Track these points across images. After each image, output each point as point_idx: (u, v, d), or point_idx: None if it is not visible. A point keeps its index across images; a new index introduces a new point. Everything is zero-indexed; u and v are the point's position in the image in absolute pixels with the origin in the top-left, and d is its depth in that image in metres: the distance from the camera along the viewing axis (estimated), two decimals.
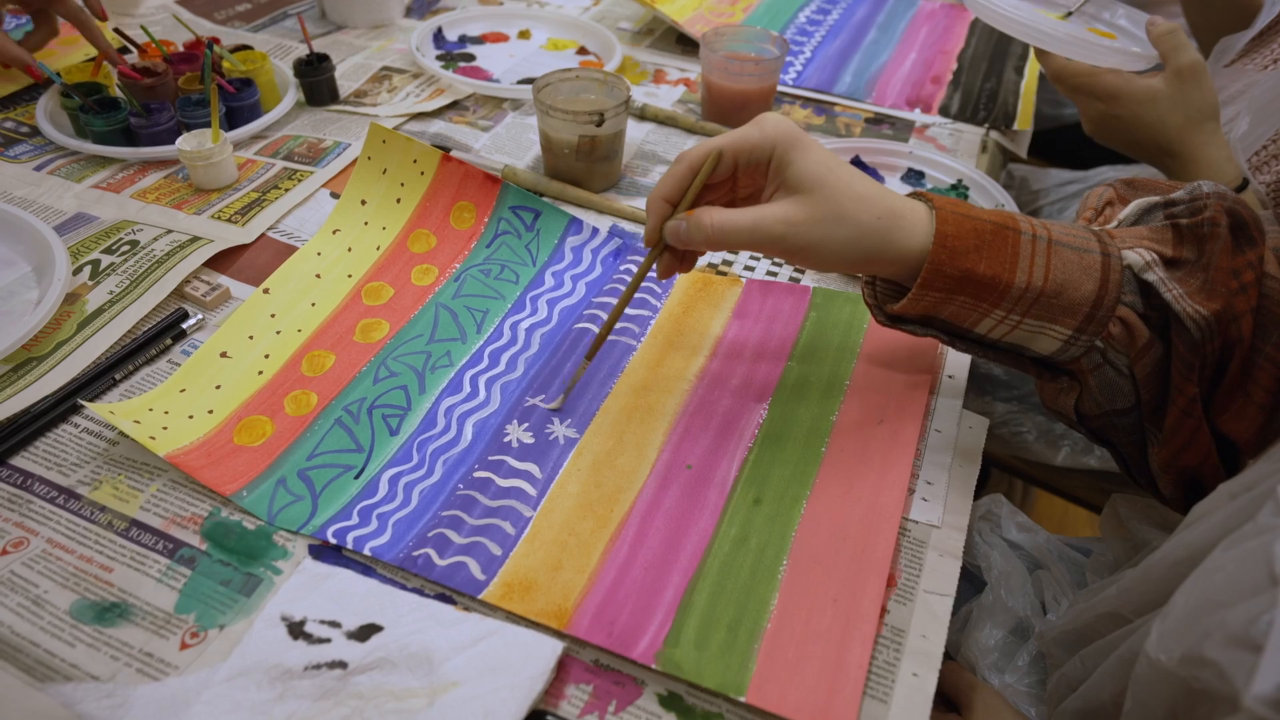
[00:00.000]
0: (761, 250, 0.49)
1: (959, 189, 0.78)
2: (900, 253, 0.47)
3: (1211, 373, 0.45)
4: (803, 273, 0.68)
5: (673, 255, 0.53)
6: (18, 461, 0.50)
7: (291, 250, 0.66)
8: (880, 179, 0.79)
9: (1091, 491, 0.92)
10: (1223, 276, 0.45)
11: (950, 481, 0.52)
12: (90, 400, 0.53)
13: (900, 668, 0.43)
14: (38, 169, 0.73)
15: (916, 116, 0.89)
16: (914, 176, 0.80)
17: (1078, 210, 0.57)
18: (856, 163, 0.80)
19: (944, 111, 0.91)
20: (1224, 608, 0.35)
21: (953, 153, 0.84)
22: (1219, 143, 0.67)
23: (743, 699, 0.40)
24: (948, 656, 0.61)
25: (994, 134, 0.87)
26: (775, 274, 0.67)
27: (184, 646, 0.42)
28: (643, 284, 0.64)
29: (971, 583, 0.64)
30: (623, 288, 0.63)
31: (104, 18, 0.81)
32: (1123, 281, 0.46)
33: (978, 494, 0.67)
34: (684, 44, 1.01)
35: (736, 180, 0.52)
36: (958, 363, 0.60)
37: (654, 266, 0.52)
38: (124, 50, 0.88)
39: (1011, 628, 0.60)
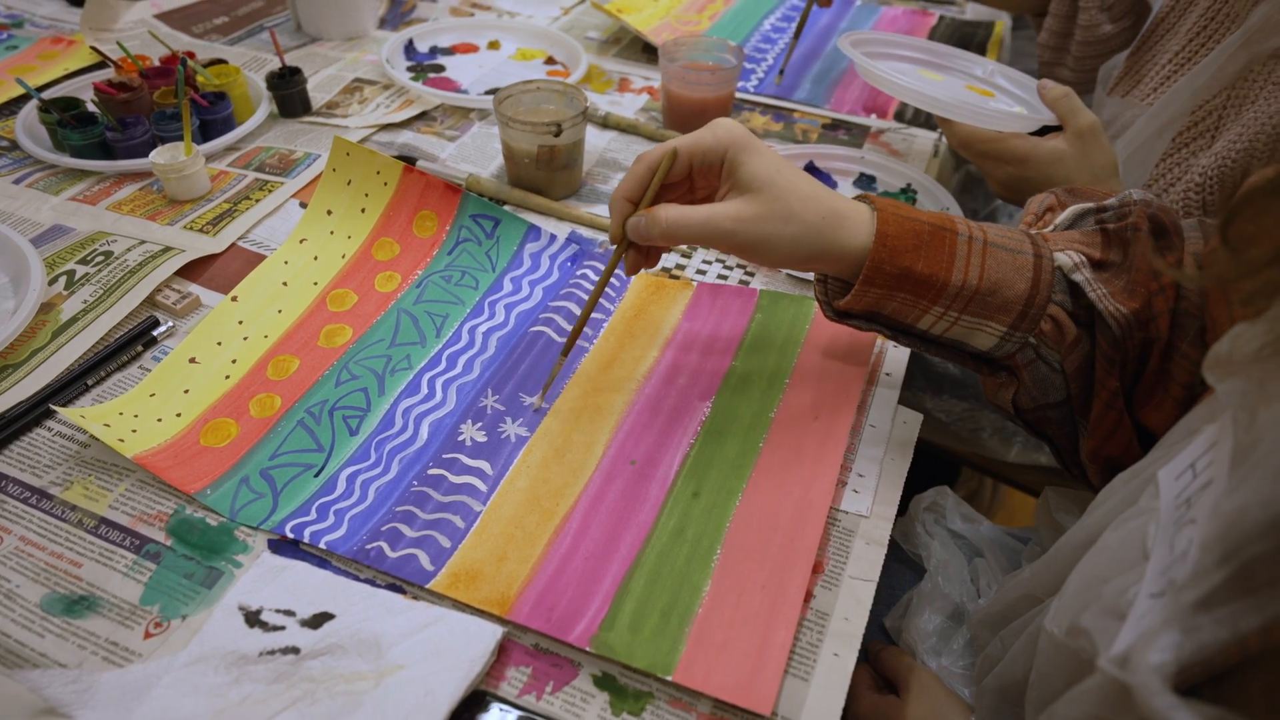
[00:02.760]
0: (714, 245, 0.52)
1: (908, 193, 0.81)
2: (844, 251, 0.50)
3: (1134, 368, 0.48)
4: (752, 275, 0.70)
5: (637, 252, 0.55)
6: None
7: (261, 259, 0.68)
8: (833, 184, 0.82)
9: (1043, 485, 0.95)
10: (1143, 278, 0.47)
11: (881, 474, 0.55)
12: (63, 405, 0.56)
13: (822, 648, 0.46)
14: (16, 182, 0.76)
15: (872, 122, 0.92)
16: (865, 181, 0.83)
17: (1022, 214, 0.60)
18: (810, 168, 0.83)
19: (899, 117, 0.93)
20: (1104, 583, 0.38)
21: (904, 158, 0.86)
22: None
23: (670, 678, 0.43)
24: (890, 641, 0.64)
25: (945, 139, 0.90)
26: (725, 277, 0.70)
27: (147, 636, 0.45)
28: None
29: (915, 571, 0.67)
30: (580, 291, 0.66)
31: None
32: (1054, 281, 0.49)
33: (947, 486, 0.70)
34: (649, 53, 1.03)
35: (693, 182, 0.55)
36: (896, 360, 0.63)
37: (621, 263, 0.55)
38: (101, 65, 0.91)
39: (949, 613, 0.62)
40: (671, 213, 0.51)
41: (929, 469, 0.90)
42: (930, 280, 0.49)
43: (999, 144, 0.73)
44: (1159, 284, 0.48)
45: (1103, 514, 0.44)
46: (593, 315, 0.65)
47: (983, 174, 0.79)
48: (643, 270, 0.64)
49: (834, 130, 0.91)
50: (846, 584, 0.49)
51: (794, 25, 1.11)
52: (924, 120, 0.93)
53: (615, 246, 0.55)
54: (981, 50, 1.08)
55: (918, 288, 0.49)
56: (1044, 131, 0.74)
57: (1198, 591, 0.31)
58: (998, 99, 0.80)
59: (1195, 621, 0.30)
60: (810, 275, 0.69)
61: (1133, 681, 0.31)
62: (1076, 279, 0.49)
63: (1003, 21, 1.15)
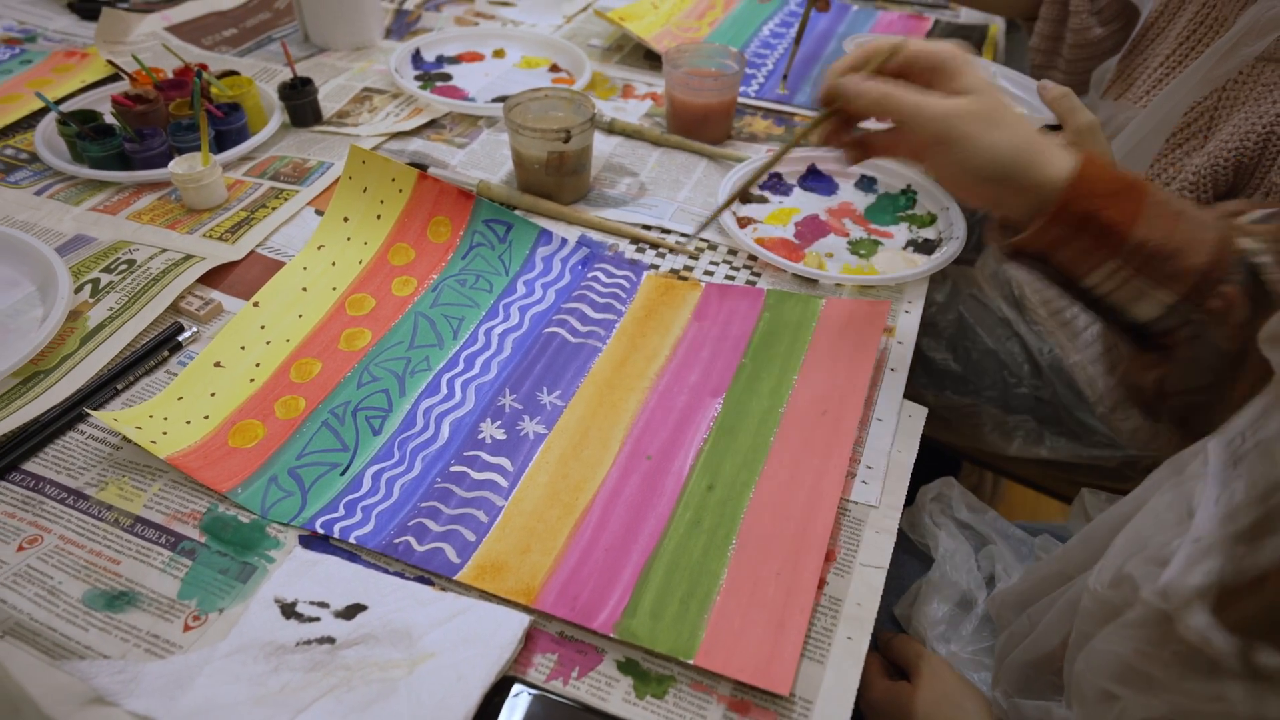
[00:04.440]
0: (920, 126, 0.52)
1: (908, 194, 0.83)
2: (1036, 179, 0.50)
3: None
4: (759, 276, 0.72)
5: (834, 125, 0.57)
6: (30, 466, 0.54)
7: (279, 265, 0.70)
8: (835, 186, 0.84)
9: (1045, 479, 0.97)
10: None
11: (889, 465, 0.57)
12: (95, 409, 0.57)
13: (836, 632, 0.48)
14: (38, 193, 0.77)
15: (872, 124, 0.94)
16: (867, 183, 0.85)
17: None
18: (812, 170, 0.85)
19: None
20: (1149, 539, 0.39)
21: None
22: None
23: (692, 661, 0.45)
24: (900, 630, 0.66)
25: None
26: (733, 278, 0.72)
27: (187, 628, 0.46)
28: (608, 289, 0.69)
29: (922, 561, 0.69)
30: (591, 294, 0.68)
31: None
32: (1234, 262, 0.48)
33: (952, 478, 0.72)
34: (651, 59, 1.05)
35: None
36: (900, 356, 0.65)
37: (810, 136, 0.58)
38: (115, 78, 0.92)
39: (957, 601, 0.64)
40: (889, 85, 0.53)
41: (931, 463, 0.92)
42: (1114, 230, 0.49)
43: None
44: None
45: (1147, 486, 0.45)
46: (605, 317, 0.67)
47: None
48: (650, 271, 0.66)
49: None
50: (858, 571, 0.51)
51: (793, 30, 1.13)
52: None
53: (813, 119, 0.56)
54: (977, 52, 1.10)
55: (1100, 235, 0.49)
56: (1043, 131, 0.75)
57: (1242, 522, 0.32)
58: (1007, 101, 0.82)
59: (1235, 550, 0.32)
60: (819, 279, 0.71)
61: (1172, 606, 0.32)
62: (1258, 261, 0.48)
63: (996, 24, 1.17)
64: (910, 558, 0.69)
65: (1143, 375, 0.54)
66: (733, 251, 0.75)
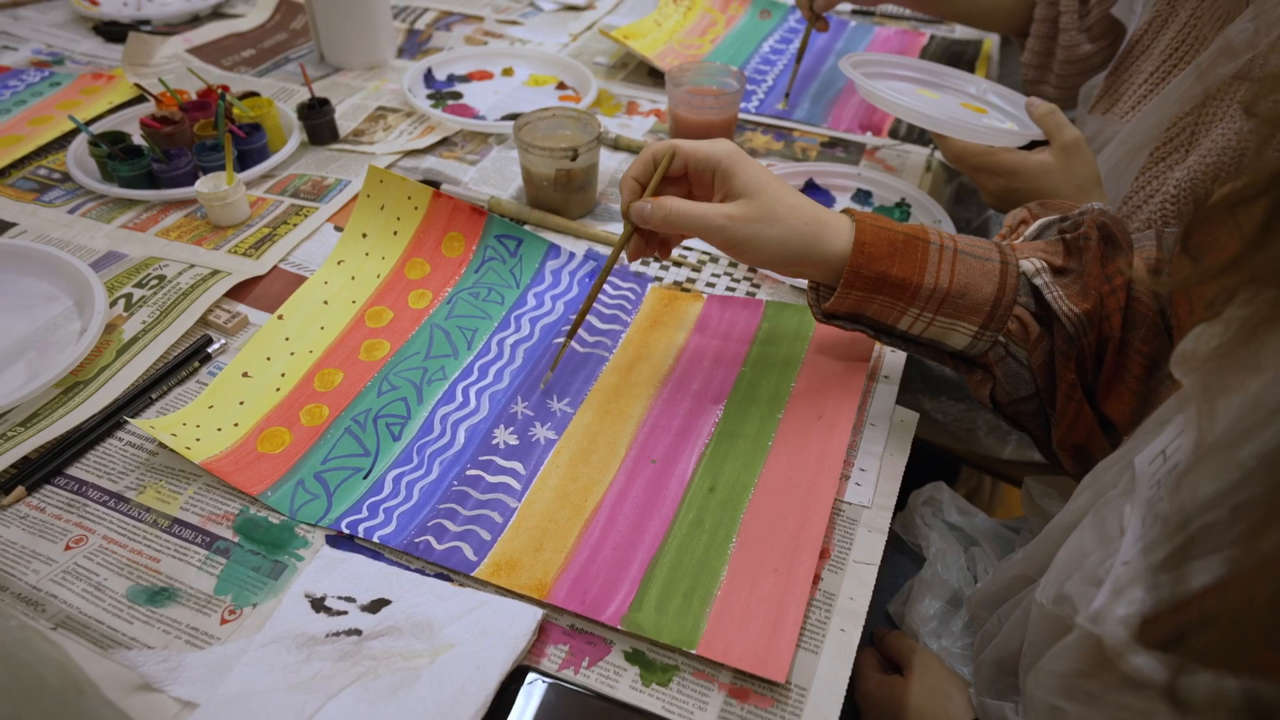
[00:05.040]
0: (706, 238, 0.58)
1: (902, 207, 0.86)
2: (825, 256, 0.56)
3: (1092, 363, 0.54)
4: (758, 287, 0.76)
5: (640, 239, 0.62)
6: (73, 471, 0.58)
7: (301, 280, 0.74)
8: (832, 200, 0.88)
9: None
10: (1094, 281, 0.53)
11: (881, 467, 0.60)
12: (132, 417, 0.61)
13: (830, 625, 0.51)
14: (71, 212, 0.81)
15: (868, 139, 0.98)
16: (863, 196, 0.88)
17: (1001, 226, 0.65)
18: (810, 184, 0.89)
19: (893, 134, 0.99)
20: (1085, 557, 0.43)
21: (899, 173, 0.92)
22: (1104, 203, 0.76)
23: (694, 651, 0.48)
24: (893, 626, 0.69)
25: (938, 154, 0.95)
26: (734, 290, 0.75)
27: (223, 621, 0.50)
28: (614, 301, 0.72)
29: (915, 561, 0.72)
30: (599, 305, 0.71)
31: None
32: (1018, 285, 0.55)
33: (943, 482, 0.75)
34: (655, 76, 1.09)
35: (690, 187, 0.61)
36: (893, 364, 0.68)
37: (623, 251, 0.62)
38: (141, 99, 0.96)
39: (948, 598, 0.67)
40: (673, 203, 0.58)
41: (930, 468, 0.95)
42: (904, 283, 0.55)
43: (990, 158, 0.78)
44: (1110, 286, 0.54)
45: (1087, 498, 0.49)
46: (611, 328, 0.70)
47: (976, 186, 0.84)
48: (655, 283, 0.70)
49: (832, 148, 0.96)
50: (851, 568, 0.54)
51: (793, 47, 1.17)
52: (917, 136, 0.98)
53: (622, 233, 0.61)
54: (971, 66, 1.13)
55: (894, 290, 0.55)
56: (1033, 146, 0.79)
57: (1159, 555, 0.35)
58: (990, 116, 0.85)
59: (1156, 580, 0.35)
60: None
61: (1103, 632, 0.36)
62: (1037, 283, 0.55)
63: (990, 40, 1.20)
64: (903, 558, 0.72)
65: (979, 391, 0.60)
66: (734, 264, 0.78)
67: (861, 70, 0.87)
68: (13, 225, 0.79)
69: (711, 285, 0.76)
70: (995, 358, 0.56)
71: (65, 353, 0.64)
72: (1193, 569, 0.34)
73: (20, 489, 0.56)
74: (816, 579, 0.53)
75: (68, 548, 0.53)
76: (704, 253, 0.79)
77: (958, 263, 0.55)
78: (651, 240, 0.62)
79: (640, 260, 0.77)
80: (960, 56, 1.15)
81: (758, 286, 0.76)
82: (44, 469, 0.57)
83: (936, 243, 0.56)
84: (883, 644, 0.65)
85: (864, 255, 0.55)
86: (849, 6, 1.24)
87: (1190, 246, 0.39)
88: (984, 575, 0.68)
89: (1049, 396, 0.56)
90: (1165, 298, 0.54)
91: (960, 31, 1.23)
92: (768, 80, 1.09)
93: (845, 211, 0.58)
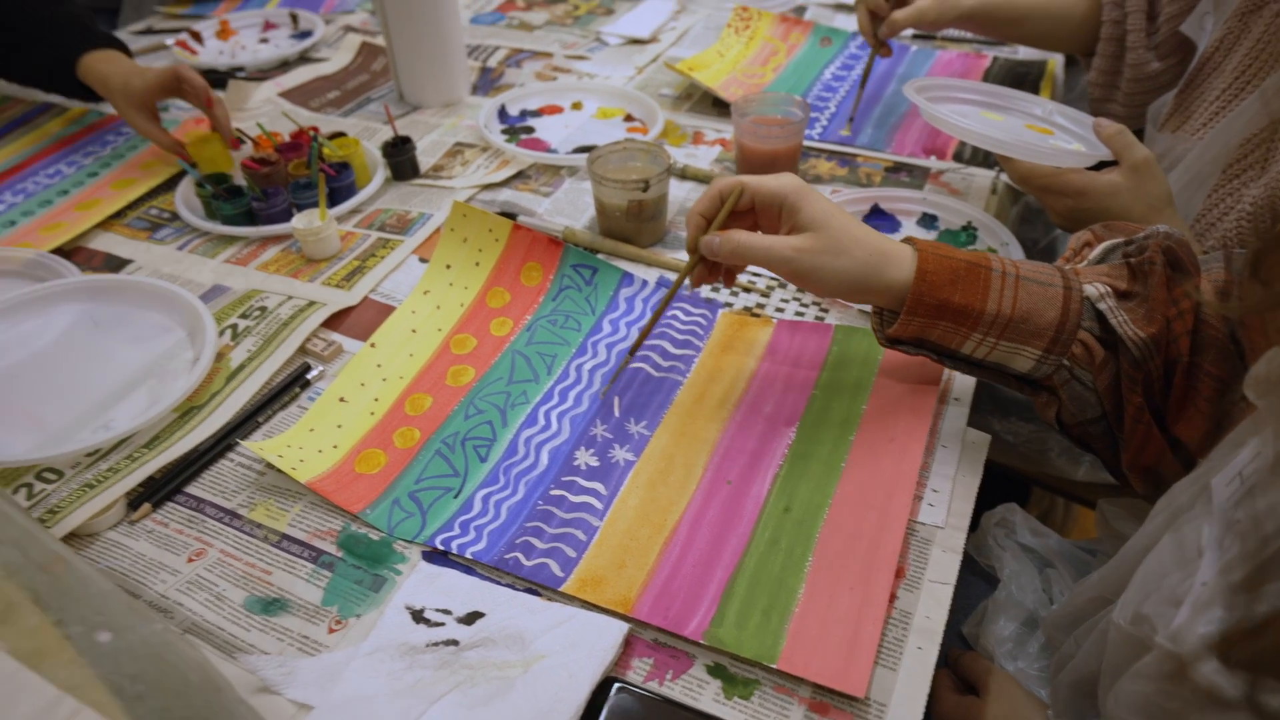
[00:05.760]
0: (774, 269, 0.60)
1: (969, 230, 0.87)
2: (888, 285, 0.58)
3: (1160, 386, 0.54)
4: (826, 311, 0.77)
5: (705, 267, 0.64)
6: (192, 490, 0.63)
7: (390, 309, 0.78)
8: (897, 224, 0.89)
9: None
10: (1160, 305, 0.54)
11: (954, 489, 0.61)
12: (242, 439, 0.65)
13: (907, 642, 0.52)
14: (180, 248, 0.87)
15: (932, 163, 0.99)
16: (928, 220, 0.89)
17: (1066, 249, 0.66)
18: (875, 210, 0.90)
19: (957, 157, 1.00)
20: (1164, 578, 0.43)
21: (964, 196, 0.92)
22: (1176, 222, 0.76)
23: (774, 665, 0.50)
24: (967, 647, 0.69)
25: (1003, 177, 0.96)
26: (802, 314, 0.77)
27: (330, 630, 0.53)
28: (686, 327, 0.75)
29: (988, 582, 0.73)
30: (671, 330, 0.74)
31: (210, 105, 0.95)
32: (1082, 310, 0.56)
33: (1015, 504, 0.76)
34: (720, 106, 1.12)
35: (757, 219, 0.63)
36: (963, 386, 0.69)
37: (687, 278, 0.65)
38: (239, 141, 1.03)
39: (1023, 620, 0.67)
40: (741, 237, 0.60)
41: (1001, 489, 0.94)
42: (967, 310, 0.56)
43: (1058, 178, 0.79)
44: (1177, 309, 0.54)
45: (1163, 519, 0.50)
46: (685, 353, 0.73)
47: (1044, 207, 0.84)
48: (725, 309, 0.72)
49: (896, 173, 0.98)
50: (927, 587, 0.55)
51: (855, 73, 1.18)
52: (981, 159, 0.99)
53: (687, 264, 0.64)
54: (1035, 88, 1.13)
55: (956, 316, 0.56)
56: (1100, 166, 0.79)
57: (1237, 575, 0.36)
58: (1056, 136, 0.86)
59: (1235, 599, 0.36)
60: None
61: (1183, 650, 0.37)
62: (1101, 307, 0.55)
63: (1054, 60, 1.20)
64: (977, 579, 0.73)
65: (1045, 413, 0.60)
66: (801, 289, 0.80)
67: (925, 95, 0.88)
68: (129, 262, 0.86)
69: (780, 310, 0.78)
70: (1060, 381, 0.57)
71: (181, 380, 0.69)
72: (1271, 589, 0.35)
73: (147, 505, 0.61)
74: (892, 597, 0.54)
75: (190, 560, 0.58)
76: (772, 279, 0.81)
77: (1020, 289, 0.56)
78: (715, 269, 0.65)
79: (710, 287, 0.80)
80: (1024, 78, 1.15)
81: (826, 311, 0.78)
82: (166, 487, 0.62)
83: (998, 269, 0.57)
84: (958, 665, 0.66)
85: (926, 283, 0.56)
86: (911, 31, 1.25)
87: (1260, 271, 0.39)
88: (1059, 597, 0.68)
89: (1116, 419, 0.57)
90: (1235, 320, 0.55)
91: (1023, 53, 1.23)
92: (830, 107, 1.11)
93: (907, 240, 0.60)
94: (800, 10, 1.39)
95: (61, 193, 0.97)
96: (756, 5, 1.34)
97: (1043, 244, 1.12)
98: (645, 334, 0.67)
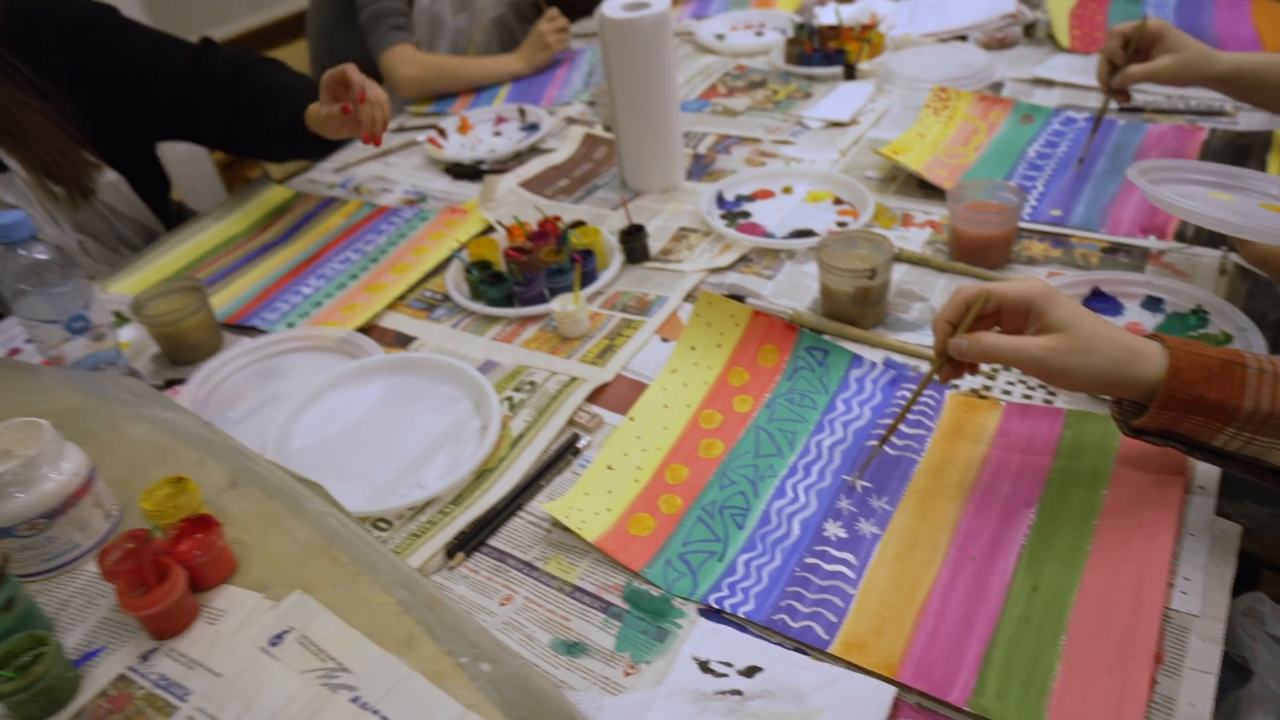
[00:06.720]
0: (1023, 368, 0.65)
1: (1198, 314, 0.87)
2: (1138, 380, 0.61)
3: None
4: (1054, 395, 0.80)
5: (952, 365, 0.70)
6: (494, 542, 0.74)
7: (642, 385, 0.88)
8: (1120, 308, 0.91)
9: None
10: None
11: (1206, 579, 0.63)
12: (526, 501, 0.76)
13: None
14: (453, 326, 1.02)
15: (1152, 243, 0.99)
16: (1153, 304, 0.90)
17: None
18: (1095, 293, 0.92)
19: (1179, 237, 1.00)
20: None
21: (1190, 278, 0.93)
22: None
23: None
24: None
25: (1232, 256, 0.95)
26: (1030, 397, 0.81)
27: (626, 673, 0.62)
28: (916, 408, 0.80)
29: (1237, 673, 0.72)
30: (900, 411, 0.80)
31: (360, 100, 1.06)
32: None
33: (1261, 593, 0.75)
34: (925, 188, 1.17)
35: (1001, 320, 0.68)
36: (1207, 475, 0.70)
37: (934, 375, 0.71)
38: (489, 230, 1.18)
39: (1278, 715, 0.67)
40: (989, 338, 0.65)
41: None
42: (1222, 406, 0.58)
43: None
44: None
45: None
46: (915, 431, 0.78)
47: None
48: (952, 390, 0.77)
49: (1113, 254, 0.99)
50: (1188, 674, 0.57)
51: (1061, 150, 1.21)
52: (1206, 238, 0.99)
53: (933, 361, 0.70)
54: (1261, 159, 1.11)
55: (1210, 412, 0.59)
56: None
57: None
58: None
59: None
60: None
61: None
62: None
63: None
64: (1225, 669, 0.72)
65: None
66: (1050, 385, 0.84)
67: (1148, 177, 0.90)
68: (414, 338, 1.01)
69: (1007, 393, 0.82)
70: None
71: (473, 446, 0.82)
72: None
73: (460, 554, 0.72)
74: (1152, 683, 0.57)
75: (501, 603, 0.68)
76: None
77: (1279, 387, 0.58)
78: (960, 366, 0.70)
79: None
80: (1248, 151, 1.14)
81: (1054, 395, 0.81)
82: (474, 540, 0.73)
83: (1254, 367, 0.59)
84: None
85: (1178, 380, 0.59)
86: (1115, 105, 1.26)
87: None
88: None
89: None
90: None
91: (1244, 122, 1.21)
92: (1038, 186, 1.14)
93: (1154, 337, 0.63)
94: (997, 87, 1.43)
95: (352, 276, 1.14)
96: (953, 84, 1.39)
97: (1271, 319, 1.09)
98: (895, 426, 0.73)
